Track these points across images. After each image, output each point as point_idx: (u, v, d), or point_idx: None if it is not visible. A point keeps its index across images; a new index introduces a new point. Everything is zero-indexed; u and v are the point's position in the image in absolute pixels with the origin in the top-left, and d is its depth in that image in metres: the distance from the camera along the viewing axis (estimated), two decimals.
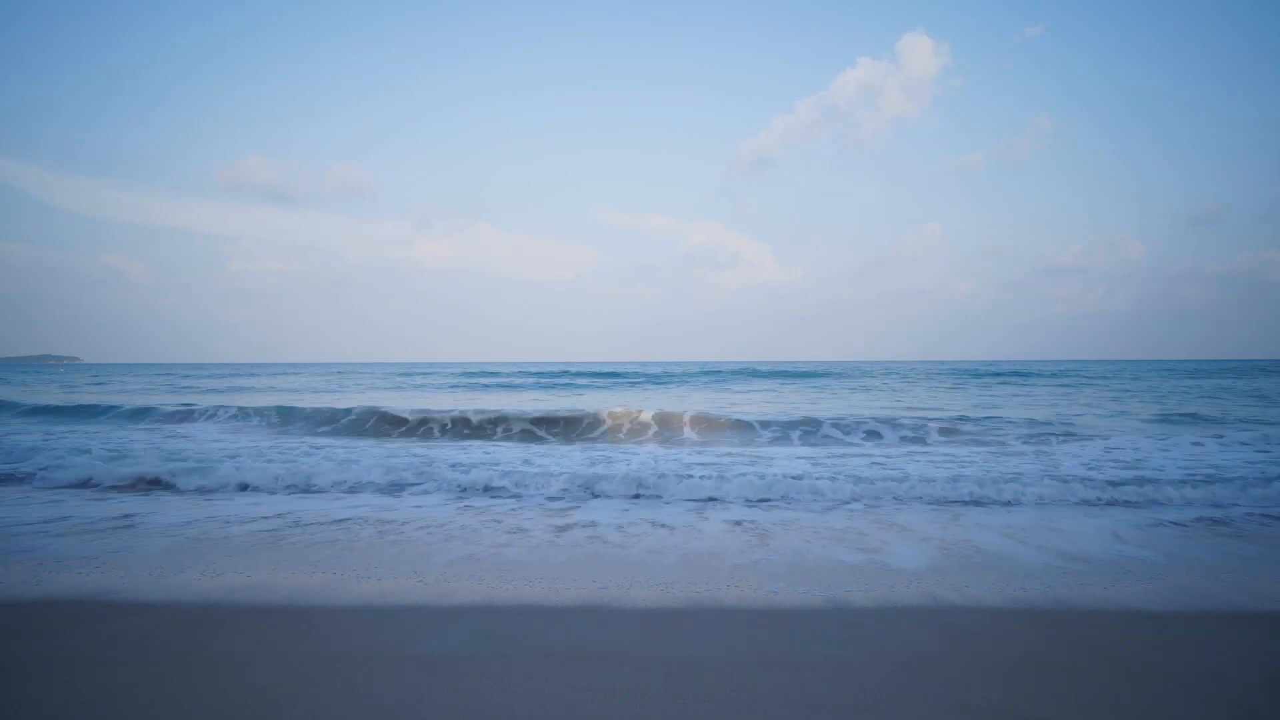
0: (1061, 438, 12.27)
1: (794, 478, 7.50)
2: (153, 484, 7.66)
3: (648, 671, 2.96)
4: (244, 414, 16.27)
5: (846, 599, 3.98)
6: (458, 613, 3.74)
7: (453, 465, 8.59)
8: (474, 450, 10.90)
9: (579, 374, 43.06)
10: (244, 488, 7.48)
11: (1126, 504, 6.72)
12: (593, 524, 5.91)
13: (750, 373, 44.16)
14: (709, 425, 14.22)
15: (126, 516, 6.12)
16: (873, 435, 12.79)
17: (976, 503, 6.76)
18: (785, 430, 13.32)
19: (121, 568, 4.56)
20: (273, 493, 7.28)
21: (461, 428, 13.95)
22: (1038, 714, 2.59)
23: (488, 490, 7.37)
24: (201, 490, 7.42)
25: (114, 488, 7.54)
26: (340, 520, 5.99)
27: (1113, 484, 7.28)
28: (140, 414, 17.15)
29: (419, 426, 14.13)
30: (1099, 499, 6.83)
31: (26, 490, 7.43)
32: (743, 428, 13.80)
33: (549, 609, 3.80)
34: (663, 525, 5.87)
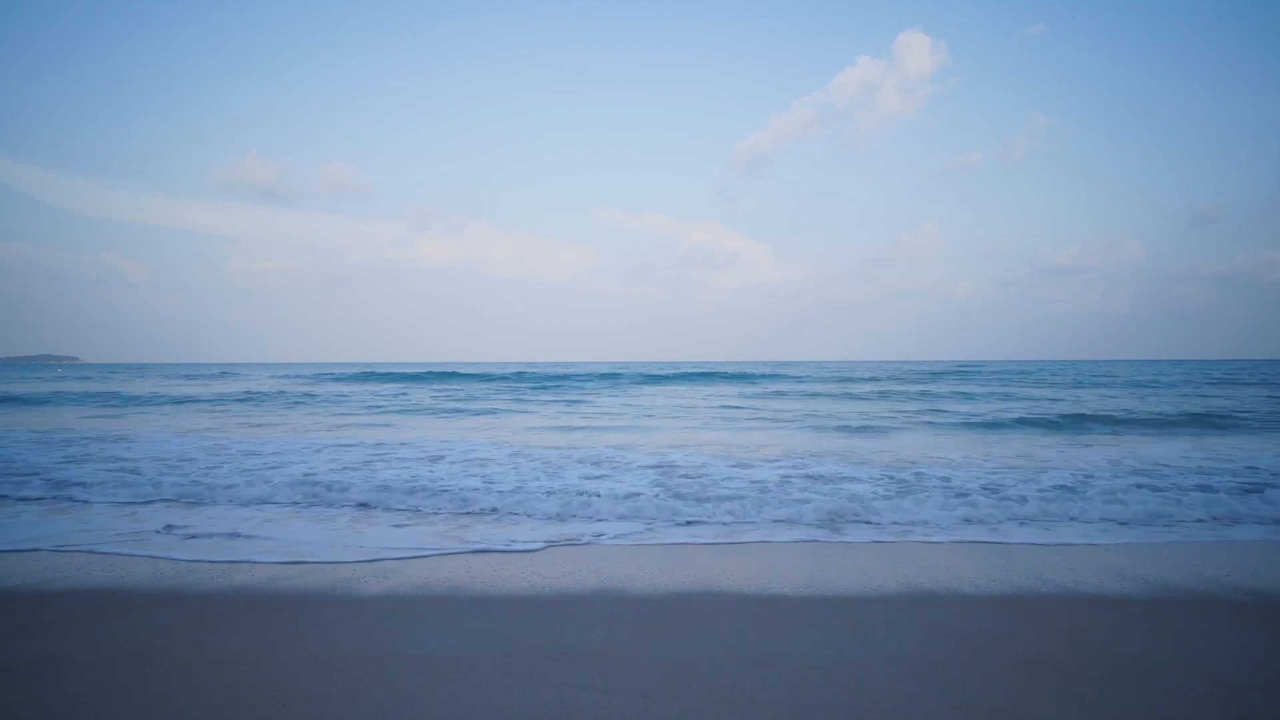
0: None
1: None
2: None
3: (648, 671, 2.96)
4: None
5: (848, 597, 3.98)
6: (458, 612, 3.74)
7: None
8: None
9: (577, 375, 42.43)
10: None
11: None
12: None
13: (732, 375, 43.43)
14: None
15: None
16: None
17: None
18: None
19: (122, 567, 4.56)
20: None
21: None
22: (1038, 714, 2.59)
23: None
24: None
25: None
26: None
27: None
28: None
29: None
30: None
31: None
32: None
33: (550, 608, 3.80)
34: None
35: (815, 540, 5.38)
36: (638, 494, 6.91)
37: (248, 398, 24.55)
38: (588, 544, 5.26)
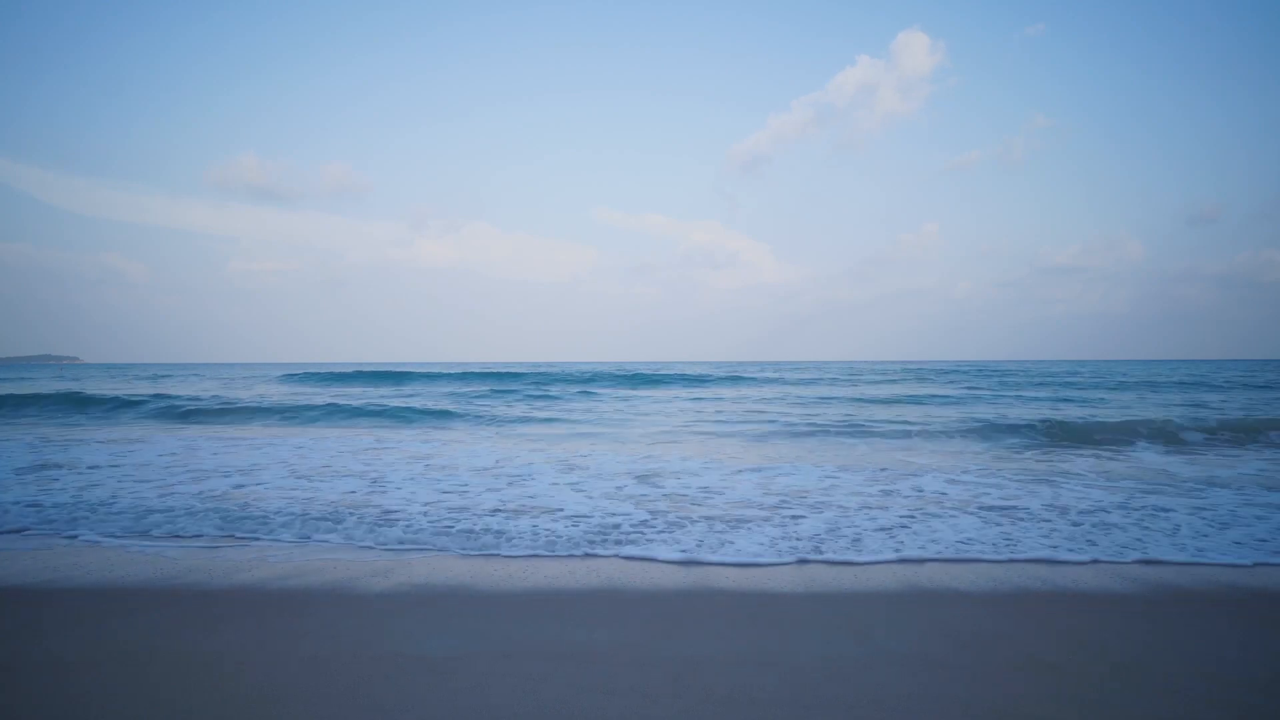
0: None
1: None
2: None
3: (649, 671, 2.96)
4: None
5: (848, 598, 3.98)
6: (458, 612, 3.74)
7: None
8: None
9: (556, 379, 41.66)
10: None
11: None
12: None
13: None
14: None
15: None
16: None
17: None
18: None
19: (122, 568, 4.56)
20: None
21: None
22: (1038, 714, 2.59)
23: None
24: None
25: None
26: None
27: None
28: None
29: None
30: None
31: None
32: None
33: (551, 608, 3.80)
34: None
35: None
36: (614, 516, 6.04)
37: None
38: (597, 555, 5.25)
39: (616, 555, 4.90)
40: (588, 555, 4.92)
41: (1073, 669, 3.00)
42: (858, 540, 5.29)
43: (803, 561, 4.73)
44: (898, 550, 5.01)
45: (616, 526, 5.68)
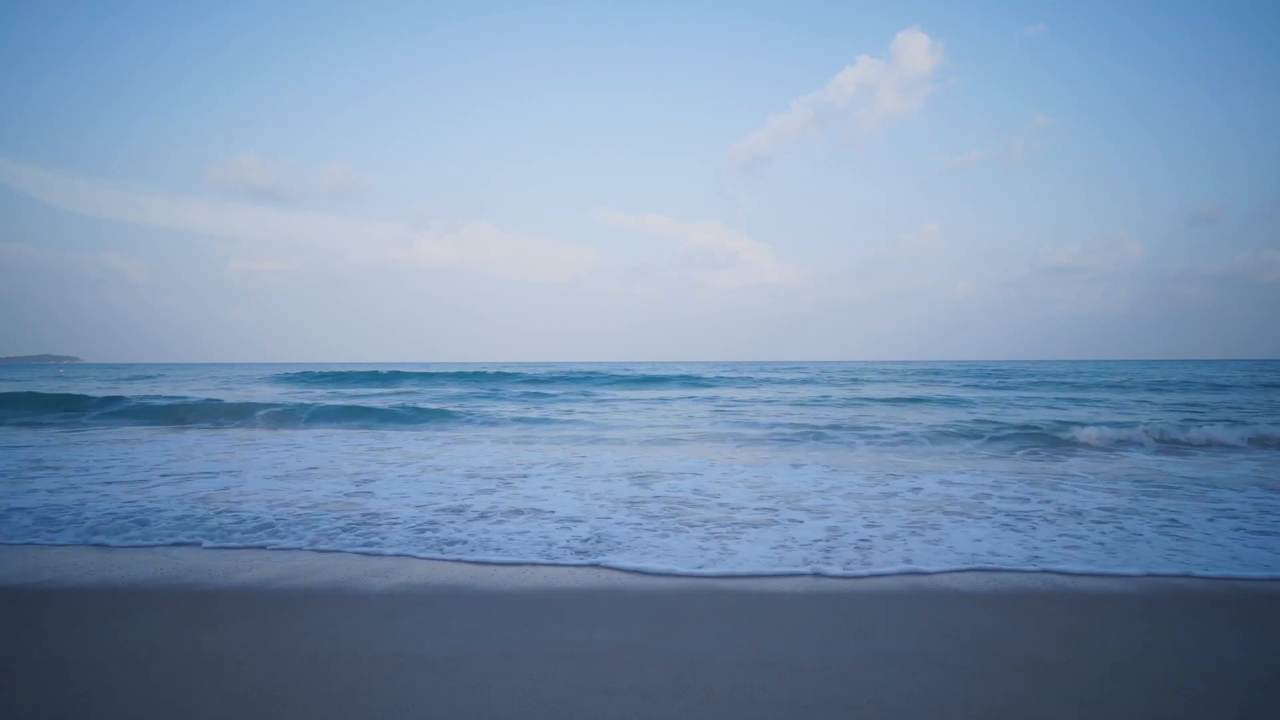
0: None
1: None
2: None
3: (649, 671, 2.96)
4: None
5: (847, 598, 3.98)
6: (458, 612, 3.74)
7: None
8: None
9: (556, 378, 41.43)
10: None
11: None
12: None
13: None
14: None
15: None
16: None
17: None
18: None
19: (122, 568, 4.56)
20: None
21: None
22: (1038, 714, 2.59)
23: None
24: None
25: None
26: None
27: None
28: None
29: None
30: None
31: None
32: None
33: (551, 608, 3.80)
34: None
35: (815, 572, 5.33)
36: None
37: None
38: (592, 548, 5.25)
39: (610, 566, 4.73)
40: (584, 565, 4.76)
41: (1073, 669, 3.00)
42: (859, 546, 5.10)
43: (804, 574, 4.70)
44: (908, 561, 4.71)
45: (610, 534, 5.46)
